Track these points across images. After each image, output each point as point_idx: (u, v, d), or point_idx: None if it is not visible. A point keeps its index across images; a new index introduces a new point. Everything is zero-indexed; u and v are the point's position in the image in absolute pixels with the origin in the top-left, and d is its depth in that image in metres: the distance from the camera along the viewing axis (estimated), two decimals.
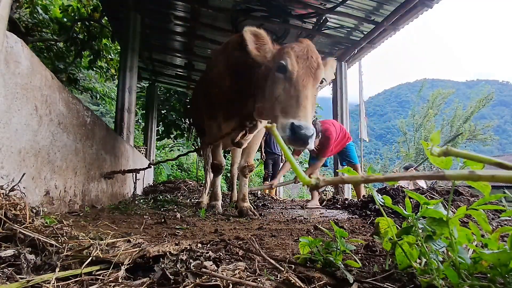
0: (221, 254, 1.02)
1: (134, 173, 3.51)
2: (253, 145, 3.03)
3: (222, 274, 0.80)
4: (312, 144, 1.78)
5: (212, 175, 3.36)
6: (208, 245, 1.21)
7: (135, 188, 3.64)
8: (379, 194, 1.01)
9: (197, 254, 0.97)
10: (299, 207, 3.88)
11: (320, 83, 2.03)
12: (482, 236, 0.86)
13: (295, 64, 1.93)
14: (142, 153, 6.61)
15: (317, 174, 4.74)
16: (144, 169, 3.56)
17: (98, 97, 10.40)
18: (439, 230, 0.80)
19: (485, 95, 24.05)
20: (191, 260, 0.90)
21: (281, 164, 6.24)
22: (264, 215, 2.85)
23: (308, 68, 1.94)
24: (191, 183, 6.55)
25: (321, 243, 1.00)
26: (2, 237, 1.01)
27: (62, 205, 2.10)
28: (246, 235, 1.55)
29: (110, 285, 0.78)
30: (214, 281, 0.76)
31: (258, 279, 0.81)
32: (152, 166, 5.18)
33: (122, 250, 0.97)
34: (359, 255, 1.13)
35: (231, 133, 2.64)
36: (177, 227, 1.93)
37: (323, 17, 5.52)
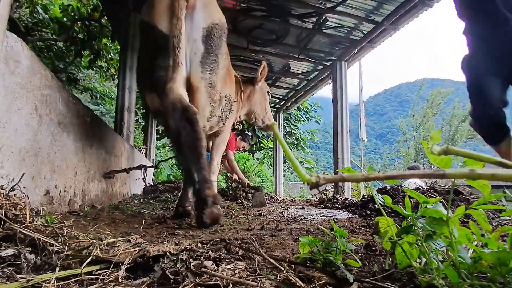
0: (221, 253, 1.02)
1: (142, 169, 3.63)
2: None
3: (222, 273, 0.80)
4: None
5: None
6: (208, 244, 1.21)
7: (145, 183, 3.82)
8: (379, 194, 1.01)
9: (197, 253, 0.97)
10: (300, 206, 3.88)
11: None
12: (482, 235, 0.86)
13: None
14: (142, 153, 6.60)
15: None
16: (149, 167, 3.72)
17: (98, 97, 10.40)
18: (439, 229, 0.80)
19: None
20: (191, 260, 0.90)
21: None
22: (264, 215, 2.85)
23: None
24: None
25: (321, 242, 1.00)
26: (2, 237, 1.01)
27: (62, 205, 2.10)
28: (246, 235, 1.55)
29: (110, 285, 0.78)
30: (214, 281, 0.76)
31: (258, 278, 0.81)
32: (154, 165, 5.19)
33: (122, 250, 0.97)
34: (359, 254, 1.13)
35: None
36: (176, 227, 1.93)
37: (323, 17, 5.52)
